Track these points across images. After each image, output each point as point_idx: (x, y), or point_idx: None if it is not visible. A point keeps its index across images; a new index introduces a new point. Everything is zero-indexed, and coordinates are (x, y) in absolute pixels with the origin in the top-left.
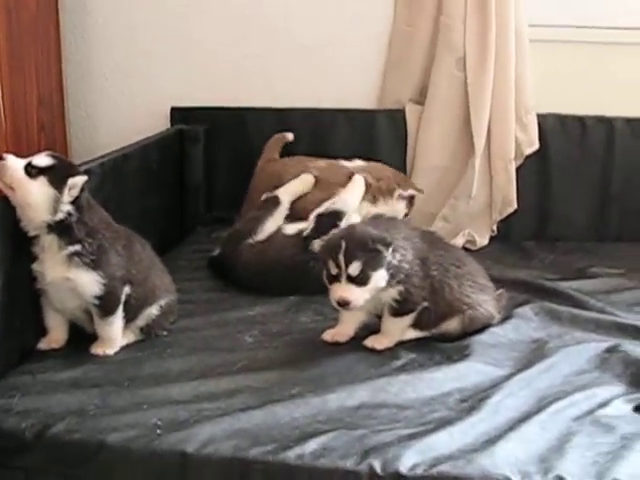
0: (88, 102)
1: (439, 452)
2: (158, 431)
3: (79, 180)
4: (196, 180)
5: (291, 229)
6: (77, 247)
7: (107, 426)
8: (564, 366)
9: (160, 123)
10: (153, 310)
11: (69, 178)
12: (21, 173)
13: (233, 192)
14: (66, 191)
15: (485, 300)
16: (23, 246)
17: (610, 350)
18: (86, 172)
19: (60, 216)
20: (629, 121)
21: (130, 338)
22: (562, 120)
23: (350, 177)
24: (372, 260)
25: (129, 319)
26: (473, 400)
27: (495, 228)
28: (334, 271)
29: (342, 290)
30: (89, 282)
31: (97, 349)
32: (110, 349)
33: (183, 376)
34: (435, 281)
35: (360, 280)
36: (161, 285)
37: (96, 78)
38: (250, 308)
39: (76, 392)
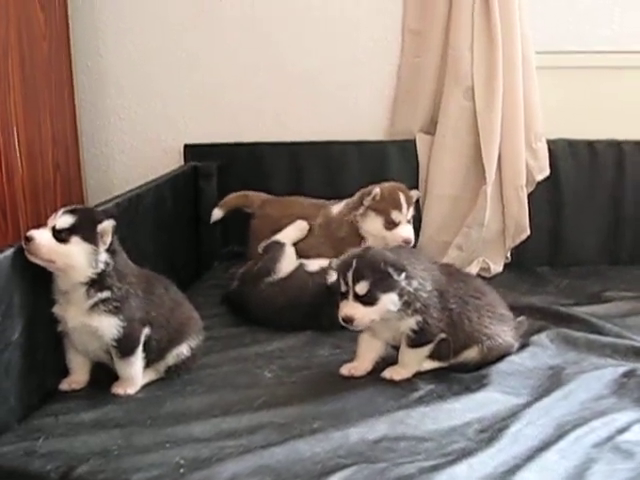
0: (102, 141)
1: None
2: (181, 470)
3: (107, 225)
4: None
5: (313, 266)
6: (106, 294)
7: (131, 466)
8: (582, 392)
9: (174, 160)
10: (183, 350)
11: (98, 226)
12: (53, 243)
13: (249, 227)
14: (100, 240)
15: (504, 330)
16: (44, 288)
17: (627, 375)
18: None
19: (101, 267)
20: (638, 144)
21: (151, 376)
22: (572, 145)
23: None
24: (381, 282)
25: (154, 359)
26: (492, 430)
27: (509, 255)
28: (343, 288)
29: (348, 308)
30: (109, 327)
31: (118, 389)
32: (131, 389)
33: (204, 413)
34: (454, 314)
35: (367, 300)
36: (189, 324)
37: (110, 117)
38: (268, 343)
39: (99, 433)
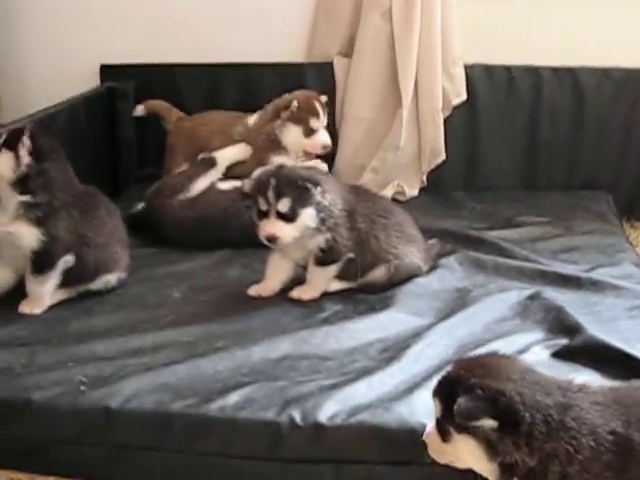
0: (20, 61)
1: (358, 401)
2: (82, 387)
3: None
4: (127, 137)
5: (226, 185)
6: (27, 197)
7: (33, 384)
8: (485, 314)
9: (91, 80)
10: (112, 279)
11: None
12: None
13: (165, 148)
14: (20, 146)
15: (412, 251)
16: None
17: (532, 297)
18: None
19: (22, 169)
20: (555, 70)
21: (62, 296)
22: (489, 70)
23: None
24: (301, 197)
25: (82, 281)
26: (394, 350)
27: (425, 179)
28: (264, 207)
29: (271, 226)
30: (28, 236)
31: (25, 308)
32: (38, 308)
33: (110, 332)
34: (362, 233)
35: (289, 217)
36: (122, 257)
37: (26, 37)
38: (179, 263)
39: (2, 352)
